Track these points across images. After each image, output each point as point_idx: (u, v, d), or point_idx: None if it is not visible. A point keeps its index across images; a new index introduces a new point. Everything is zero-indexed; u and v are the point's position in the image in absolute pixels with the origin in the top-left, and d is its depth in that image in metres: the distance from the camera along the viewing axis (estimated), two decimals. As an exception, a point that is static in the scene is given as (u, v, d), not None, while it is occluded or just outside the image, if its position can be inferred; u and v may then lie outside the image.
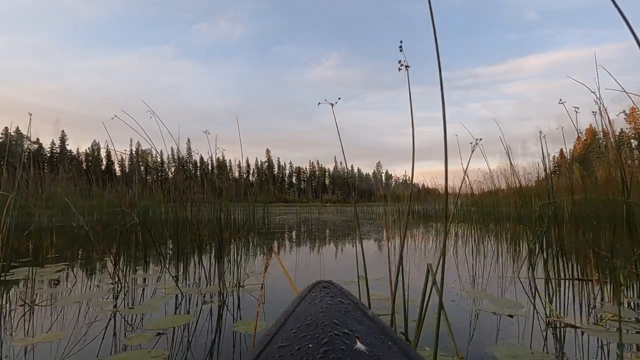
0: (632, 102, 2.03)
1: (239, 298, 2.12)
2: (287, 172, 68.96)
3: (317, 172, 73.76)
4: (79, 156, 50.54)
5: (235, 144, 3.03)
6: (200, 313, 1.82)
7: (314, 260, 3.59)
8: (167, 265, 3.12)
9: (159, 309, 1.88)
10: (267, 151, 69.47)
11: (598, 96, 2.18)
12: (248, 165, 63.98)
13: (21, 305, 1.94)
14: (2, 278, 2.37)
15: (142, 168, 54.21)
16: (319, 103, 1.31)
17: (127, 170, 51.72)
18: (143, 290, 2.36)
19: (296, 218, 15.32)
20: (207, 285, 2.48)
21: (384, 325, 0.44)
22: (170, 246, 4.68)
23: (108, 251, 3.27)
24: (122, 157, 51.73)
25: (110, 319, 1.71)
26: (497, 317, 1.69)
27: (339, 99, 1.31)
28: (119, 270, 2.65)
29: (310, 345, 0.34)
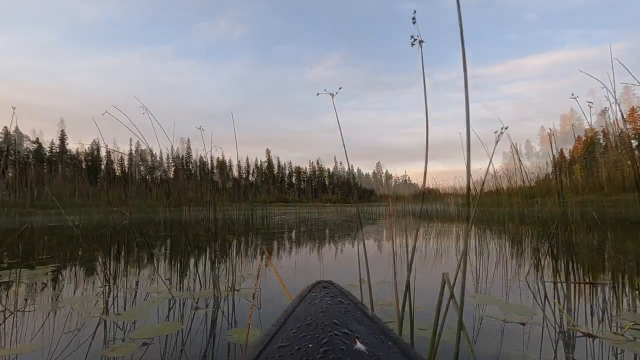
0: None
1: (233, 303, 2.01)
2: (287, 172, 68.77)
3: (317, 172, 73.60)
4: (78, 155, 50.34)
5: (233, 143, 2.92)
6: (193, 319, 1.71)
7: (312, 262, 3.49)
8: (157, 269, 3.02)
9: (148, 315, 1.77)
10: (267, 151, 69.35)
11: (612, 90, 2.08)
12: (248, 165, 63.82)
13: (1, 311, 1.83)
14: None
15: (141, 168, 54.09)
16: (318, 93, 1.21)
17: (126, 170, 51.64)
18: (136, 294, 2.25)
19: (296, 218, 15.22)
20: (201, 289, 2.37)
21: (384, 325, 0.44)
22: (166, 248, 4.58)
23: (98, 252, 3.16)
24: (121, 157, 51.73)
25: (95, 327, 1.60)
26: (508, 325, 1.59)
27: (340, 88, 1.21)
28: (108, 273, 2.54)
29: (310, 345, 0.34)
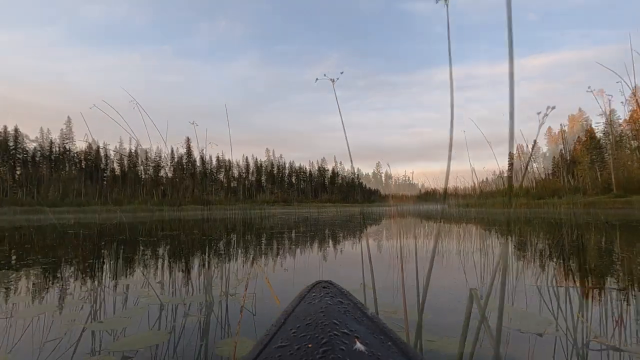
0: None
1: (227, 309, 1.88)
2: (287, 172, 68.56)
3: (317, 172, 73.43)
4: (78, 155, 50.14)
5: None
6: (184, 328, 1.58)
7: (311, 263, 3.35)
8: (148, 272, 2.88)
9: (134, 322, 1.64)
10: (267, 151, 69.15)
11: (632, 85, 1.95)
12: (247, 164, 63.58)
13: (-25, 319, 1.70)
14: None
15: (141, 167, 53.89)
16: (317, 79, 1.10)
17: (126, 170, 51.45)
18: (125, 299, 2.11)
19: (295, 218, 15.09)
20: (192, 293, 2.24)
21: (384, 325, 0.44)
22: (164, 248, 4.44)
23: (85, 254, 3.03)
24: (121, 156, 51.56)
25: (77, 336, 1.47)
26: (522, 336, 1.46)
27: (342, 73, 1.09)
28: (94, 275, 2.41)
29: (309, 345, 0.35)
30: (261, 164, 66.69)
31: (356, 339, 0.35)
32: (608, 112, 31.15)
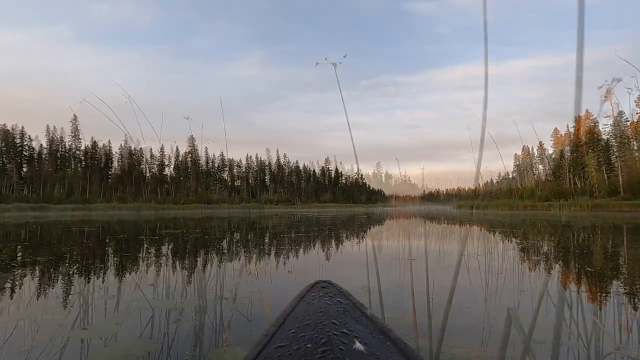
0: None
1: (221, 314, 1.78)
2: (287, 171, 68.52)
3: (320, 172, 73.36)
4: (83, 152, 50.44)
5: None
6: (175, 335, 1.48)
7: (311, 265, 3.25)
8: (140, 275, 2.79)
9: (120, 329, 1.54)
10: (267, 151, 69.25)
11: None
12: (249, 164, 63.57)
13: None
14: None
15: (145, 165, 54.13)
16: (317, 63, 1.01)
17: (126, 168, 51.66)
18: (117, 303, 2.01)
19: (295, 218, 15.02)
20: (186, 296, 2.14)
21: (383, 324, 0.44)
22: (160, 248, 4.36)
23: (84, 253, 2.95)
24: (129, 153, 51.83)
25: (60, 344, 1.38)
26: (542, 346, 1.35)
27: (345, 56, 1.00)
28: (81, 277, 2.33)
29: (309, 345, 0.35)
30: (269, 163, 66.78)
31: (355, 339, 0.36)
32: (615, 113, 30.79)
